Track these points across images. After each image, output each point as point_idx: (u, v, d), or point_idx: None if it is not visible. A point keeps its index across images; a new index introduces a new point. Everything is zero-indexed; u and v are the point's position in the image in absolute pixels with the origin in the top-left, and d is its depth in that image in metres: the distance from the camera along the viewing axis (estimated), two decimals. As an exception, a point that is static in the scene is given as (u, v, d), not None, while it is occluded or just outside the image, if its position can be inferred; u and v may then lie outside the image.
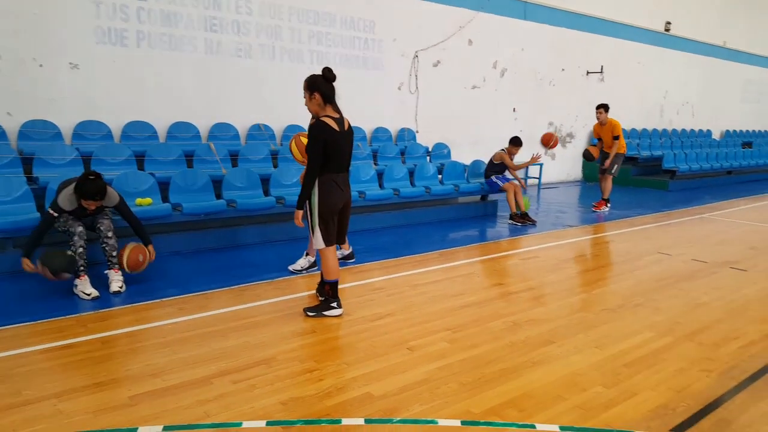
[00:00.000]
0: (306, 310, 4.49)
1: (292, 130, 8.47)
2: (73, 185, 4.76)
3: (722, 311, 4.84)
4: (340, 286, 5.25)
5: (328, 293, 4.49)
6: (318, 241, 4.34)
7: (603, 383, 3.47)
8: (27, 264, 4.70)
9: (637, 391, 3.38)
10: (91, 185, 4.69)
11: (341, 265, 5.70)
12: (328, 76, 4.20)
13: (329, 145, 4.14)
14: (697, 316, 4.69)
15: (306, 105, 4.30)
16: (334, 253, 4.43)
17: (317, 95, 4.20)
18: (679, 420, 3.07)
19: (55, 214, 4.74)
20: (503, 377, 3.52)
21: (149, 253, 5.16)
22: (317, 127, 4.15)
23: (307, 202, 4.31)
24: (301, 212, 4.35)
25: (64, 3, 6.82)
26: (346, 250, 5.97)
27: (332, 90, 4.22)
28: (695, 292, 5.33)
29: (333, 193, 4.27)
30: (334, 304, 4.46)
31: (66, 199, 4.74)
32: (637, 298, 5.13)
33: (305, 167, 4.28)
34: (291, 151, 5.28)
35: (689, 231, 8.31)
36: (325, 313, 4.44)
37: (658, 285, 5.53)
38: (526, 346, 4.01)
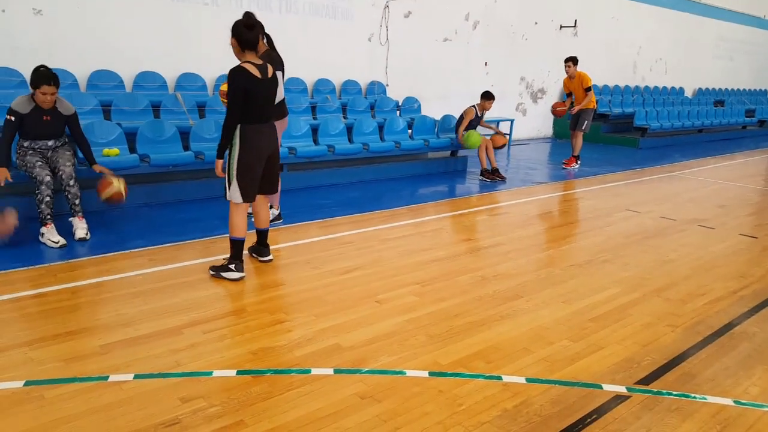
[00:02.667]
0: (211, 267, 4.28)
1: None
2: (25, 94, 4.80)
3: (689, 268, 4.89)
4: (308, 240, 5.21)
5: (231, 253, 4.19)
6: (234, 194, 4.07)
7: (569, 337, 3.48)
8: (3, 173, 4.68)
9: (603, 345, 3.39)
10: (41, 72, 4.69)
11: (270, 226, 5.53)
12: (246, 22, 3.95)
13: (249, 93, 3.91)
14: (665, 273, 4.74)
15: (233, 51, 4.08)
16: (244, 210, 4.15)
17: (234, 41, 3.96)
18: (644, 374, 3.10)
19: (12, 117, 4.71)
20: (471, 330, 3.51)
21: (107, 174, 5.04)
22: (235, 73, 3.89)
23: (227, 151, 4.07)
24: (221, 162, 4.07)
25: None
26: (276, 210, 5.68)
27: (252, 36, 3.95)
28: (663, 249, 5.38)
29: (254, 145, 4.03)
30: (232, 266, 4.14)
31: (20, 101, 4.75)
32: (606, 254, 5.15)
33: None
34: (221, 100, 5.11)
35: (659, 189, 8.38)
36: (224, 275, 4.15)
37: (626, 242, 5.56)
38: (494, 300, 4.00)
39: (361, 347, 3.25)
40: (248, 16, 4.00)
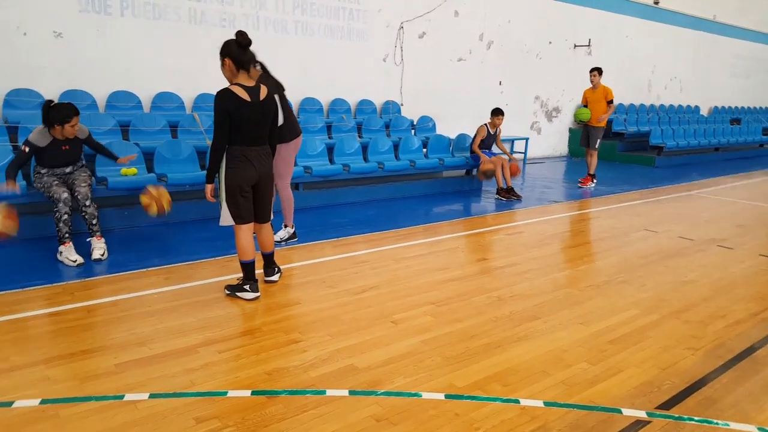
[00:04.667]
0: (226, 286, 4.28)
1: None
2: (38, 126, 4.88)
3: (709, 289, 4.81)
4: (323, 259, 5.21)
5: (243, 274, 4.20)
6: (225, 217, 4.06)
7: (588, 359, 3.42)
8: (11, 183, 4.73)
9: (622, 368, 3.34)
10: (60, 106, 4.80)
11: (285, 245, 5.55)
12: (240, 40, 3.83)
13: (235, 115, 3.82)
14: (684, 294, 4.66)
15: (222, 72, 3.99)
16: (246, 232, 4.10)
17: (228, 61, 3.87)
18: (665, 398, 3.04)
19: (26, 149, 4.77)
20: (487, 352, 3.47)
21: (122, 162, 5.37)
22: (219, 96, 3.81)
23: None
24: (210, 186, 4.04)
25: (47, -29, 6.62)
26: (291, 228, 5.68)
27: (245, 55, 3.88)
28: (682, 270, 5.30)
29: (241, 168, 3.93)
30: (247, 287, 4.14)
31: (38, 134, 4.82)
32: (623, 274, 5.09)
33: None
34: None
35: (676, 208, 8.29)
36: (238, 294, 4.16)
37: (644, 262, 5.49)
38: (511, 321, 3.96)
39: (376, 368, 3.23)
40: (242, 35, 3.85)
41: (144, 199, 4.85)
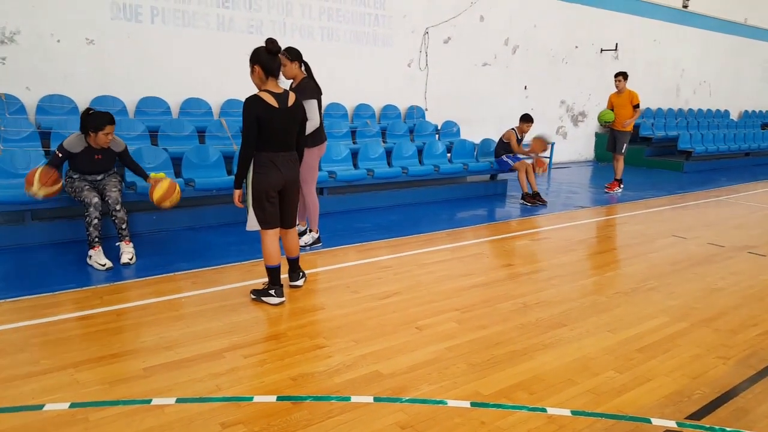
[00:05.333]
0: (252, 291, 4.31)
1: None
2: (76, 132, 4.98)
3: (739, 297, 4.70)
4: (347, 264, 5.23)
5: (269, 279, 4.22)
6: (251, 222, 4.11)
7: (616, 368, 3.37)
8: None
9: (650, 377, 3.28)
10: (96, 114, 4.88)
11: (309, 250, 5.57)
12: (270, 48, 3.88)
13: (263, 121, 3.87)
14: (714, 302, 4.57)
15: (251, 78, 4.04)
16: (272, 238, 4.13)
17: (258, 68, 3.92)
18: (695, 408, 2.97)
19: (60, 154, 4.87)
20: (513, 359, 3.44)
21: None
22: (248, 102, 3.88)
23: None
24: (238, 192, 4.10)
25: (81, -21, 6.79)
26: (315, 233, 5.70)
27: (275, 62, 3.92)
28: (711, 277, 5.19)
29: (268, 174, 3.98)
30: (272, 292, 4.16)
31: (73, 140, 4.92)
32: (651, 281, 5.00)
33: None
34: None
35: (705, 214, 8.13)
36: (264, 299, 4.19)
37: (672, 269, 5.40)
38: (537, 328, 3.92)
39: (401, 375, 3.22)
40: (272, 42, 3.91)
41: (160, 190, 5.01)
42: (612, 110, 9.49)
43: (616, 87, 9.48)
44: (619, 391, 3.12)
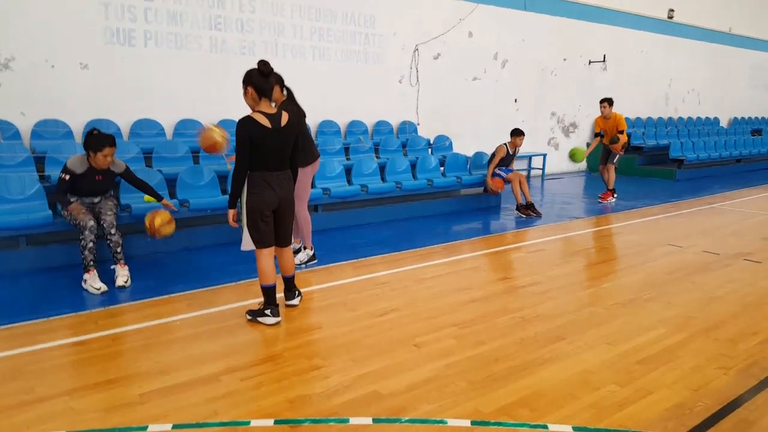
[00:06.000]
0: (248, 311, 4.28)
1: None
2: (79, 153, 4.98)
3: (738, 305, 4.70)
4: (343, 281, 5.20)
5: (264, 299, 4.20)
6: (246, 241, 4.10)
7: (616, 381, 3.35)
8: (74, 207, 4.91)
9: (652, 390, 3.26)
10: (98, 135, 4.88)
11: (305, 267, 5.55)
12: (262, 69, 3.92)
13: (256, 142, 3.90)
14: (712, 311, 4.56)
15: (244, 100, 4.06)
16: (267, 257, 4.11)
17: (250, 89, 3.94)
18: (698, 420, 2.95)
19: (66, 176, 4.88)
20: (513, 375, 3.42)
21: (166, 206, 5.34)
22: (240, 123, 3.90)
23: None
24: (233, 211, 4.12)
25: (75, 5, 6.85)
26: (310, 250, 5.68)
27: (267, 83, 3.95)
28: (709, 286, 5.19)
29: (262, 193, 3.99)
30: (268, 312, 4.13)
31: (76, 161, 4.91)
32: (649, 292, 5.00)
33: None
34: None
35: (700, 222, 8.16)
36: (260, 319, 4.15)
37: (669, 278, 5.40)
38: (536, 342, 3.90)
39: (400, 394, 3.18)
40: (264, 64, 3.94)
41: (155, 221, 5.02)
42: (600, 134, 9.57)
43: (602, 113, 9.53)
44: (620, 405, 3.09)
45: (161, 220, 5.05)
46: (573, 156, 9.28)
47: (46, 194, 5.60)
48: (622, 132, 9.39)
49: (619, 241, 7.04)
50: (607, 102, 9.45)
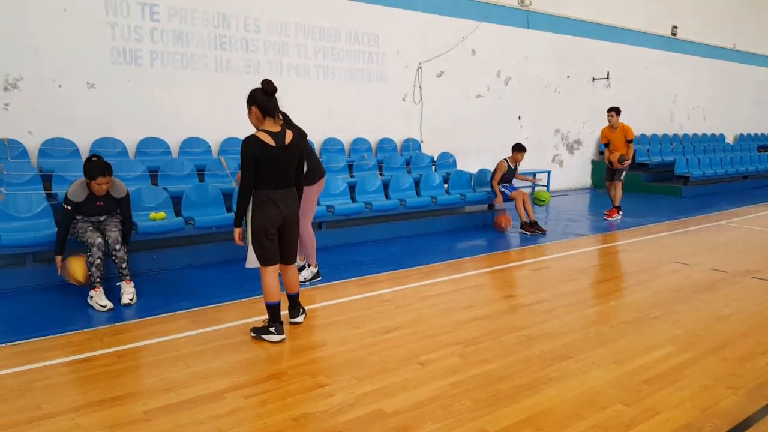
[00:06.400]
0: (252, 329, 4.28)
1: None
2: (80, 178, 4.96)
3: (746, 324, 4.65)
4: (348, 298, 5.20)
5: (268, 317, 4.20)
6: (251, 259, 4.13)
7: (623, 401, 3.31)
8: (60, 262, 4.94)
9: (659, 410, 3.22)
10: (95, 163, 4.87)
11: (309, 285, 5.55)
12: (266, 89, 3.97)
13: (260, 160, 3.93)
14: (720, 329, 4.52)
15: (249, 119, 4.11)
16: (272, 274, 4.14)
17: (255, 109, 4.00)
18: (707, 440, 2.91)
19: (69, 207, 4.88)
20: (519, 394, 3.39)
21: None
22: (245, 142, 3.94)
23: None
24: (238, 230, 4.14)
25: (82, 25, 6.95)
26: (314, 268, 5.68)
27: (270, 102, 3.99)
28: (716, 304, 5.15)
29: (266, 211, 4.02)
30: (273, 330, 4.14)
31: (75, 189, 4.91)
32: (656, 310, 4.96)
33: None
34: None
35: (707, 239, 8.12)
36: (264, 337, 4.16)
37: (676, 296, 5.36)
38: (542, 361, 3.86)
39: (404, 413, 3.16)
40: (268, 83, 4.00)
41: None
42: (607, 145, 9.52)
43: (609, 122, 9.51)
44: (627, 425, 3.06)
45: (80, 270, 4.91)
46: (540, 200, 8.83)
47: (53, 212, 5.63)
48: (630, 141, 9.37)
49: (625, 259, 7.00)
50: (615, 111, 9.42)
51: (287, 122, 5.16)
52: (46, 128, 6.78)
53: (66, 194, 4.91)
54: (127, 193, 5.17)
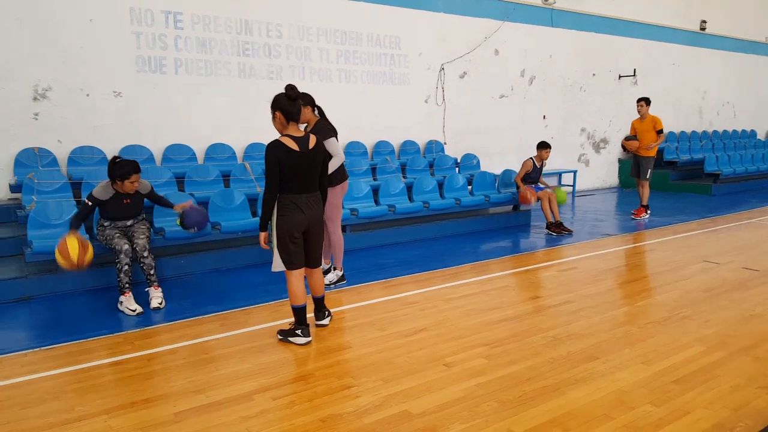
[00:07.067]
0: (279, 331, 4.32)
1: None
2: (103, 181, 5.10)
3: (778, 322, 4.55)
4: (373, 301, 5.22)
5: (295, 319, 4.25)
6: (276, 263, 4.16)
7: (652, 401, 3.27)
8: (73, 233, 4.76)
9: (689, 410, 3.17)
10: (122, 163, 4.99)
11: (334, 288, 5.58)
12: (290, 94, 4.00)
13: (284, 165, 3.97)
14: (752, 329, 4.43)
15: (272, 124, 4.15)
16: (297, 278, 4.18)
17: (279, 114, 4.03)
18: (738, 441, 2.86)
19: (89, 203, 4.98)
20: (545, 395, 3.37)
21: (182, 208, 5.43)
22: (269, 147, 3.98)
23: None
24: (264, 234, 4.21)
25: (107, 35, 7.12)
26: (340, 271, 5.71)
27: (294, 107, 4.02)
28: (748, 303, 5.05)
29: (291, 216, 4.06)
30: (299, 332, 4.18)
31: (101, 189, 5.03)
32: (685, 309, 4.88)
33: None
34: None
35: (737, 237, 7.95)
36: (291, 339, 4.20)
37: (706, 296, 5.27)
38: (569, 362, 3.83)
39: (431, 414, 3.17)
40: (291, 88, 4.03)
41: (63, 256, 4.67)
42: (635, 137, 9.39)
43: (639, 112, 9.41)
44: (656, 425, 3.02)
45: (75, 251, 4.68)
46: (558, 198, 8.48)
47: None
48: (661, 131, 9.22)
49: (653, 259, 6.90)
50: (645, 101, 9.35)
51: (323, 118, 5.28)
52: (75, 137, 6.96)
53: (92, 192, 5.04)
54: (152, 186, 5.38)
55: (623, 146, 9.73)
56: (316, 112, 5.29)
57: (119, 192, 5.08)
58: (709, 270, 6.16)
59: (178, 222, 5.92)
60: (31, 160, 6.57)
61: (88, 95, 7.05)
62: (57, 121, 6.88)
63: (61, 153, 6.86)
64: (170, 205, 5.50)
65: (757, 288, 5.49)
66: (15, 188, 6.37)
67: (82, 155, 6.92)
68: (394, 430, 3.00)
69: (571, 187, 12.26)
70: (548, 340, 4.23)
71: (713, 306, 4.97)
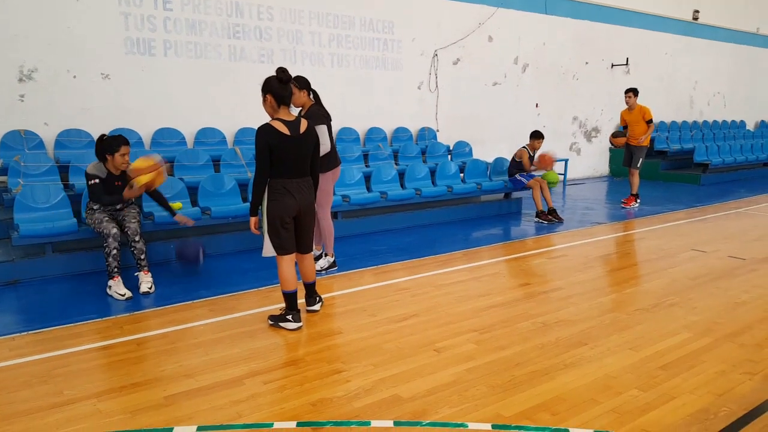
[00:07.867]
0: (269, 317, 4.33)
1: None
2: (92, 162, 5.06)
3: (764, 310, 4.61)
4: (364, 287, 5.23)
5: (285, 305, 4.24)
6: (267, 248, 4.15)
7: (639, 386, 3.31)
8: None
9: (675, 395, 3.22)
10: (110, 138, 4.98)
11: (325, 274, 5.59)
12: (281, 77, 3.96)
13: (275, 149, 3.94)
14: (737, 316, 4.49)
15: (263, 107, 4.11)
16: (288, 263, 4.16)
17: (269, 97, 3.99)
18: (722, 425, 2.91)
19: (96, 180, 4.97)
20: (534, 380, 3.40)
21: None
22: (259, 131, 3.94)
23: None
24: (254, 219, 4.19)
25: (95, 16, 6.99)
26: (331, 257, 5.71)
27: (286, 91, 4.00)
28: (734, 291, 5.11)
29: (282, 200, 4.03)
30: (290, 317, 4.18)
31: (96, 168, 5.00)
32: (672, 297, 4.93)
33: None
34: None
35: (725, 226, 8.02)
36: (281, 324, 4.20)
37: (693, 283, 5.32)
38: (557, 347, 3.87)
39: (421, 398, 3.19)
40: (282, 72, 4.00)
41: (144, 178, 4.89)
42: (625, 128, 9.45)
43: (627, 103, 9.43)
44: (642, 409, 3.06)
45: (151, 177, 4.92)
46: (549, 183, 8.51)
47: (71, 202, 5.72)
48: (650, 121, 9.26)
49: (642, 247, 6.95)
50: (632, 92, 9.37)
51: (318, 103, 5.24)
52: (62, 119, 6.86)
53: (86, 172, 4.99)
54: None
55: (611, 142, 9.79)
56: (312, 96, 5.26)
57: (111, 172, 5.03)
58: (697, 258, 6.22)
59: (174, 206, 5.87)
60: (17, 143, 6.48)
61: (75, 77, 6.94)
62: (43, 104, 6.78)
63: (48, 135, 6.77)
64: (171, 211, 5.44)
65: (743, 276, 5.55)
66: (1, 171, 6.30)
67: (69, 138, 6.84)
68: (384, 414, 3.02)
69: (562, 176, 12.30)
70: (538, 326, 4.26)
71: (700, 293, 5.02)
